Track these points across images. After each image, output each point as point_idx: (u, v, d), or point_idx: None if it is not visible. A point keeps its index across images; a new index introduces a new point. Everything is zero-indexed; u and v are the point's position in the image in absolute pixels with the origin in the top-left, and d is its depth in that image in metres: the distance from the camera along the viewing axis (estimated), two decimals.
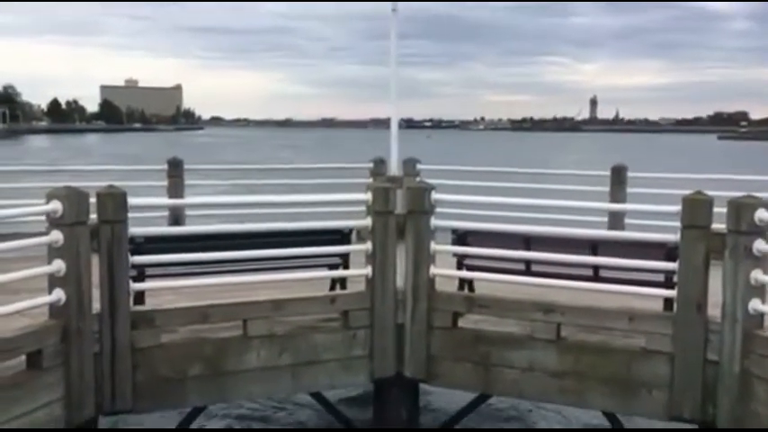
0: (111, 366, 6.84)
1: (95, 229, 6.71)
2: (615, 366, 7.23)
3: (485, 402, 8.75)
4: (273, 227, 8.35)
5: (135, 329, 6.97)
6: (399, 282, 8.09)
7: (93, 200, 6.76)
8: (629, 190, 11.61)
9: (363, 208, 8.11)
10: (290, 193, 12.16)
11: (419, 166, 12.89)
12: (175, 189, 12.06)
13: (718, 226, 6.81)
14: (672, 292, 7.07)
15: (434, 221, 7.99)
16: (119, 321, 6.86)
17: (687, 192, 7.06)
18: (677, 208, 6.92)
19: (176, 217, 11.79)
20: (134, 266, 7.14)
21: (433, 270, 8.00)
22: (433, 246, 8.00)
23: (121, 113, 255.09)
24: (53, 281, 6.52)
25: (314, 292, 8.02)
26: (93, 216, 6.76)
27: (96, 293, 6.76)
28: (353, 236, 8.68)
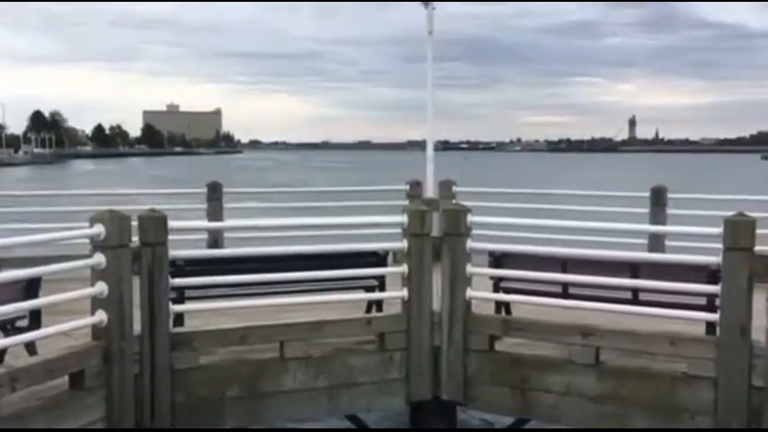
0: (150, 387, 6.93)
1: (137, 252, 6.85)
2: (657, 391, 7.08)
3: (523, 426, 8.63)
4: (310, 249, 8.41)
5: (174, 351, 7.07)
6: (435, 304, 8.06)
7: (134, 223, 6.91)
8: (670, 211, 11.44)
9: (399, 230, 8.13)
10: (326, 216, 12.27)
11: (455, 188, 12.88)
12: (214, 212, 12.26)
13: (762, 248, 6.66)
14: (714, 316, 6.92)
15: (470, 244, 7.97)
16: (158, 343, 6.96)
17: (729, 213, 6.93)
18: (719, 230, 6.79)
19: (215, 240, 11.95)
20: (174, 288, 7.26)
21: (470, 293, 7.97)
22: (470, 268, 7.97)
23: (163, 137, 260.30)
24: (96, 302, 6.65)
25: (350, 315, 8.04)
26: (135, 239, 6.90)
27: (137, 315, 6.89)
28: (390, 258, 8.70)
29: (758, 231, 6.71)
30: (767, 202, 11.40)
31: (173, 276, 7.15)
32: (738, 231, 6.68)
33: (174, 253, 7.15)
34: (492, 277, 8.31)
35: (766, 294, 6.54)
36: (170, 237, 7.02)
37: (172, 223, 7.03)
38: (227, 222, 12.27)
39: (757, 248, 6.68)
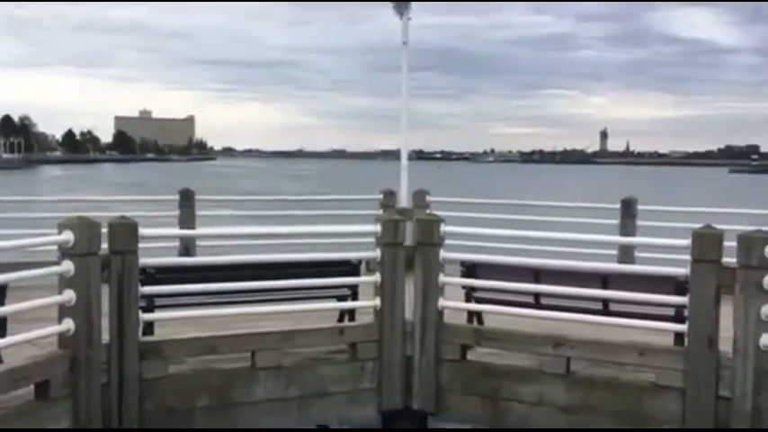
0: (118, 397, 6.83)
1: (106, 260, 6.76)
2: (625, 401, 7.15)
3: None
4: (283, 258, 8.39)
5: (143, 360, 6.98)
6: (408, 314, 8.07)
7: (104, 230, 6.82)
8: (640, 223, 11.59)
9: (373, 239, 8.13)
10: (299, 225, 12.24)
11: (429, 198, 12.93)
12: (187, 219, 12.15)
13: (729, 260, 6.78)
14: (683, 327, 7.02)
15: (443, 253, 7.99)
16: (127, 351, 6.87)
17: (697, 225, 7.05)
18: (687, 242, 6.90)
19: (187, 247, 11.83)
20: (144, 297, 7.17)
21: (442, 302, 7.98)
22: (442, 278, 8.00)
23: (135, 144, 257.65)
24: (63, 311, 6.55)
25: (322, 324, 8.02)
26: (105, 246, 6.81)
27: (105, 323, 6.79)
28: (363, 267, 8.69)
29: (725, 244, 6.83)
30: (734, 214, 11.63)
31: (143, 284, 7.06)
32: (706, 244, 6.79)
33: (145, 261, 7.07)
34: (464, 287, 8.34)
35: (733, 305, 6.65)
36: (141, 244, 6.94)
37: (142, 230, 6.95)
38: (199, 230, 12.17)
39: (724, 260, 6.80)
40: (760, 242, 6.49)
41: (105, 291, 6.77)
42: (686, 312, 6.97)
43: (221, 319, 7.58)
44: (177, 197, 12.36)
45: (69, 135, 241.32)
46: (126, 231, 6.86)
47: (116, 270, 6.80)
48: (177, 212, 12.22)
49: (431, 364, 7.94)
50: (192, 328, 7.55)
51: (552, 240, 10.28)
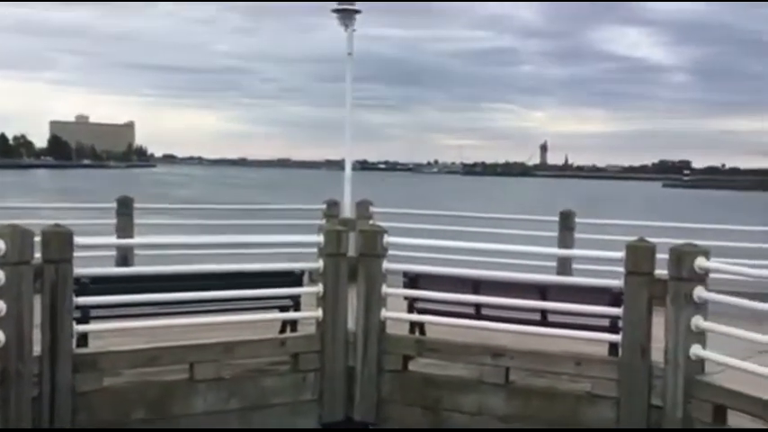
0: (50, 411, 6.62)
1: (39, 269, 6.56)
2: (562, 410, 7.30)
3: None
4: (224, 268, 8.27)
5: (77, 372, 6.78)
6: (350, 324, 8.06)
7: (38, 238, 6.62)
8: (577, 235, 11.87)
9: (315, 250, 8.11)
10: (241, 234, 12.09)
11: (372, 209, 12.97)
12: (125, 228, 11.87)
13: (662, 272, 7.00)
14: (617, 337, 7.21)
15: (386, 264, 8.03)
16: (60, 364, 6.66)
17: (632, 238, 7.27)
18: (622, 254, 7.10)
19: (125, 257, 11.57)
20: (78, 308, 6.98)
21: (384, 313, 8.01)
22: (385, 289, 8.03)
23: (71, 149, 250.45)
24: None
25: (264, 335, 7.94)
26: (38, 255, 6.61)
27: (38, 335, 6.57)
28: (305, 278, 8.66)
29: (658, 256, 7.06)
30: (667, 228, 12.02)
31: (77, 295, 6.88)
32: (639, 256, 7.01)
33: (80, 270, 6.89)
34: (407, 298, 8.39)
35: (665, 316, 6.87)
36: (76, 253, 6.76)
37: (78, 239, 6.78)
38: (137, 239, 11.92)
39: (657, 272, 7.02)
40: (690, 255, 6.73)
41: (38, 301, 6.57)
42: (620, 323, 7.18)
43: (160, 331, 7.42)
44: (115, 205, 12.08)
45: (1, 139, 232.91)
46: (60, 240, 6.67)
47: (49, 280, 6.60)
48: (114, 221, 11.93)
49: (372, 374, 7.94)
50: (128, 340, 7.37)
51: (493, 252, 10.44)
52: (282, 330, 8.28)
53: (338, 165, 14.90)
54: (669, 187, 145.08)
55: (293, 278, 8.28)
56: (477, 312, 8.01)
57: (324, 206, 13.08)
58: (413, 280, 8.34)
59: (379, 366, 7.95)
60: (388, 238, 8.03)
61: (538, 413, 7.36)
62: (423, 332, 8.38)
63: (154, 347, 7.20)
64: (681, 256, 6.75)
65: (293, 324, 8.31)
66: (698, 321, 6.69)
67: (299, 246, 10.19)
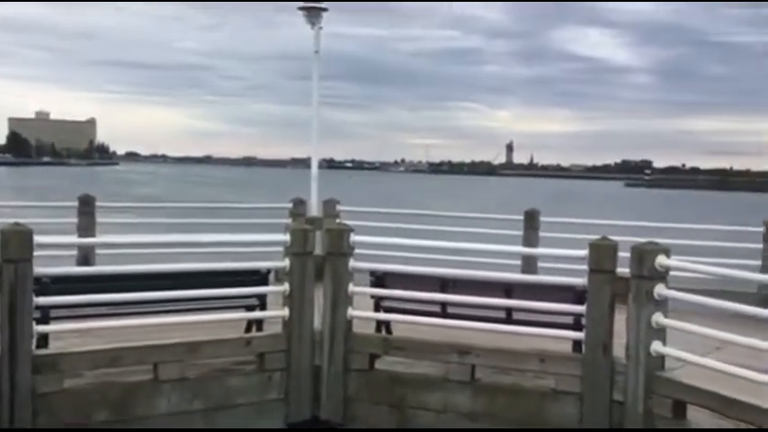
0: (9, 413, 6.49)
1: None
2: (527, 407, 7.38)
3: None
4: (189, 267, 8.19)
5: (37, 374, 6.65)
6: (317, 323, 8.04)
7: None
8: (542, 234, 12.00)
9: (282, 249, 8.07)
10: (207, 233, 11.98)
11: (339, 208, 12.95)
12: (86, 227, 11.68)
13: (624, 270, 7.12)
14: (580, 334, 7.32)
15: (353, 263, 8.03)
16: (19, 365, 6.53)
17: (595, 237, 7.37)
18: (585, 252, 7.21)
19: (86, 256, 11.38)
20: (38, 308, 6.84)
21: (351, 312, 8.01)
22: (351, 287, 8.02)
23: (30, 147, 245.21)
24: None
25: (229, 335, 7.88)
26: None
27: None
28: (271, 277, 8.61)
29: (620, 254, 7.18)
30: (630, 227, 12.22)
31: (37, 295, 6.74)
32: (602, 254, 7.12)
33: (40, 270, 6.75)
34: (373, 296, 8.40)
35: (626, 314, 6.99)
36: (36, 252, 6.63)
37: (38, 238, 6.65)
38: (99, 238, 11.72)
39: (619, 270, 7.14)
40: (651, 254, 6.85)
41: None
42: (584, 320, 7.28)
43: (123, 331, 7.32)
44: (76, 203, 11.86)
45: None
46: (20, 239, 6.54)
47: (8, 279, 6.47)
48: (76, 219, 11.72)
49: (339, 373, 7.94)
50: (90, 341, 7.26)
51: (459, 250, 10.50)
52: (248, 330, 8.23)
53: (305, 163, 14.86)
54: (631, 186, 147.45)
55: (259, 277, 8.23)
56: (444, 311, 8.05)
57: (290, 205, 13.03)
58: (379, 279, 8.35)
59: (345, 365, 7.94)
60: (354, 237, 8.02)
61: (503, 410, 7.43)
62: (389, 331, 8.39)
63: (116, 348, 7.10)
64: (642, 255, 6.88)
65: (259, 323, 8.26)
66: (658, 318, 6.81)
67: (265, 245, 10.13)
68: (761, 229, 10.95)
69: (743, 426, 6.10)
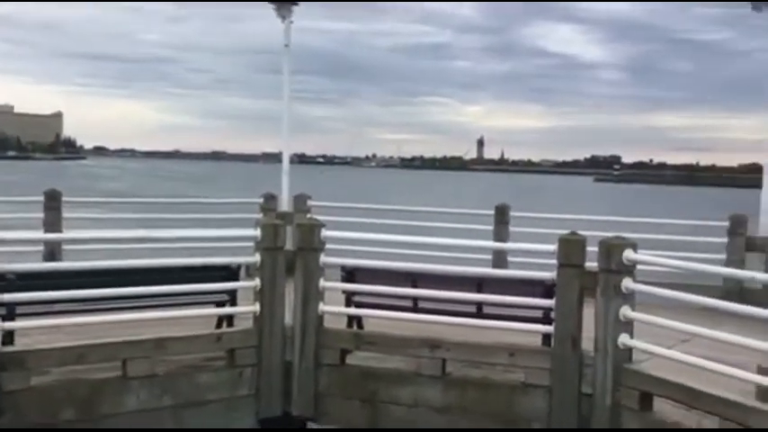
0: None
1: None
2: (497, 401, 7.44)
3: None
4: (158, 262, 8.11)
5: (2, 371, 6.55)
6: (288, 319, 8.02)
7: None
8: (512, 229, 12.10)
9: (252, 244, 8.03)
10: (177, 228, 11.86)
11: (310, 203, 12.92)
12: (52, 222, 11.49)
13: (592, 264, 7.22)
14: (549, 328, 7.40)
15: (324, 258, 8.02)
16: None
17: (564, 231, 7.46)
18: (554, 247, 7.28)
19: (52, 252, 11.19)
20: (3, 304, 6.73)
21: (322, 307, 8.00)
22: (323, 282, 8.02)
23: None
24: None
25: (199, 330, 7.82)
26: None
27: None
28: (242, 272, 8.56)
29: (588, 249, 7.27)
30: (598, 221, 12.37)
31: (2, 291, 6.65)
32: (570, 249, 7.20)
33: (5, 266, 6.64)
34: (344, 291, 8.40)
35: (594, 307, 7.08)
36: (0, 248, 6.51)
37: (3, 234, 6.55)
38: (65, 233, 11.54)
39: (587, 265, 7.23)
40: (619, 248, 6.95)
41: None
42: (553, 314, 7.36)
43: (90, 328, 7.22)
44: (42, 198, 11.66)
45: None
46: None
47: None
48: (42, 215, 11.53)
49: (310, 369, 7.93)
50: (57, 338, 7.15)
51: (430, 245, 10.54)
52: (219, 325, 8.17)
53: (275, 158, 14.80)
54: (600, 182, 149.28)
55: (230, 272, 8.17)
56: (415, 305, 8.08)
57: (261, 200, 12.97)
58: (350, 274, 8.35)
59: (316, 360, 7.93)
60: (325, 232, 8.01)
61: (473, 404, 7.49)
62: (360, 326, 8.40)
63: (83, 345, 7.00)
64: (610, 249, 6.97)
65: (230, 319, 8.21)
66: (626, 311, 6.92)
67: (235, 240, 10.06)
68: (725, 223, 11.17)
69: (708, 418, 6.21)
